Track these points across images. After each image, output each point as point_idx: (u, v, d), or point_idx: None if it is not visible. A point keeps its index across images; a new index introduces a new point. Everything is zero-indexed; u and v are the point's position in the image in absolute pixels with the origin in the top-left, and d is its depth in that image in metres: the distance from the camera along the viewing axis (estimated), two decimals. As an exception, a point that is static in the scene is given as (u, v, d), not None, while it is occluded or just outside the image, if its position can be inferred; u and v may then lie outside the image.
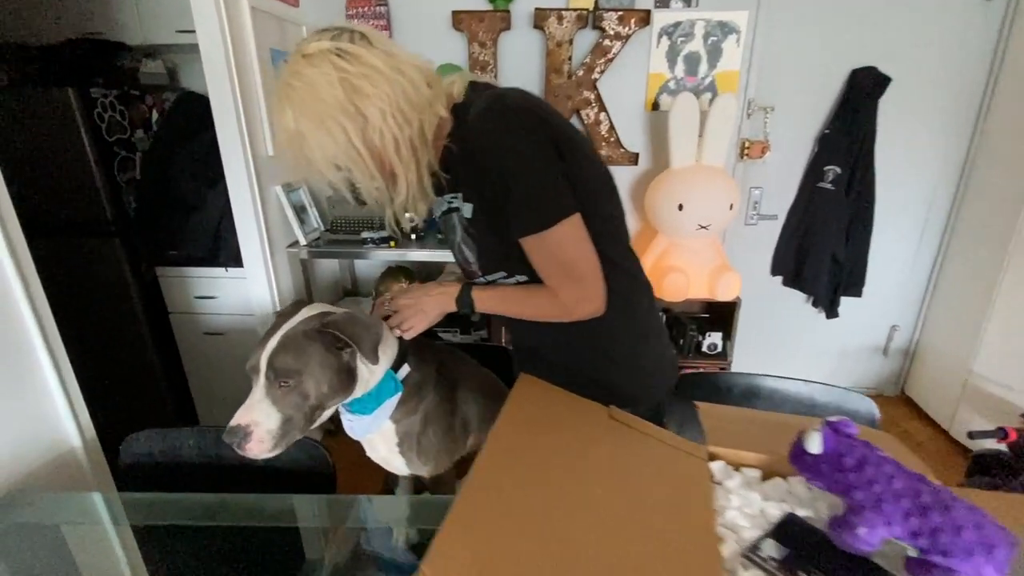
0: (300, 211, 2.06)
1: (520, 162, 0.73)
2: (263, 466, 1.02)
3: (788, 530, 0.66)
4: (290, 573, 0.87)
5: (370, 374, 0.89)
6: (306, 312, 0.86)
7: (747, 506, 0.71)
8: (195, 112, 1.99)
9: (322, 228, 2.18)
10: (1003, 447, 1.72)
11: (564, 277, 0.79)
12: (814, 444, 0.65)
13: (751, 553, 0.62)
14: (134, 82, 1.97)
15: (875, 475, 0.60)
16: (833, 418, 0.68)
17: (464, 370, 1.08)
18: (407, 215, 0.91)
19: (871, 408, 1.14)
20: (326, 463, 1.00)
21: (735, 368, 2.32)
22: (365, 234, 2.03)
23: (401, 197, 0.81)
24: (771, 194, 2.35)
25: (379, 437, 0.96)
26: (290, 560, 0.89)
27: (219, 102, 1.71)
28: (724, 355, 2.24)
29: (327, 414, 0.87)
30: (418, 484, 1.19)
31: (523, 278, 0.86)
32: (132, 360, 2.05)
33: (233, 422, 0.77)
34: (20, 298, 1.03)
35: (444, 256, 1.99)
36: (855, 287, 2.38)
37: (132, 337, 2.01)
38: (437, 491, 1.06)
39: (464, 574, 0.50)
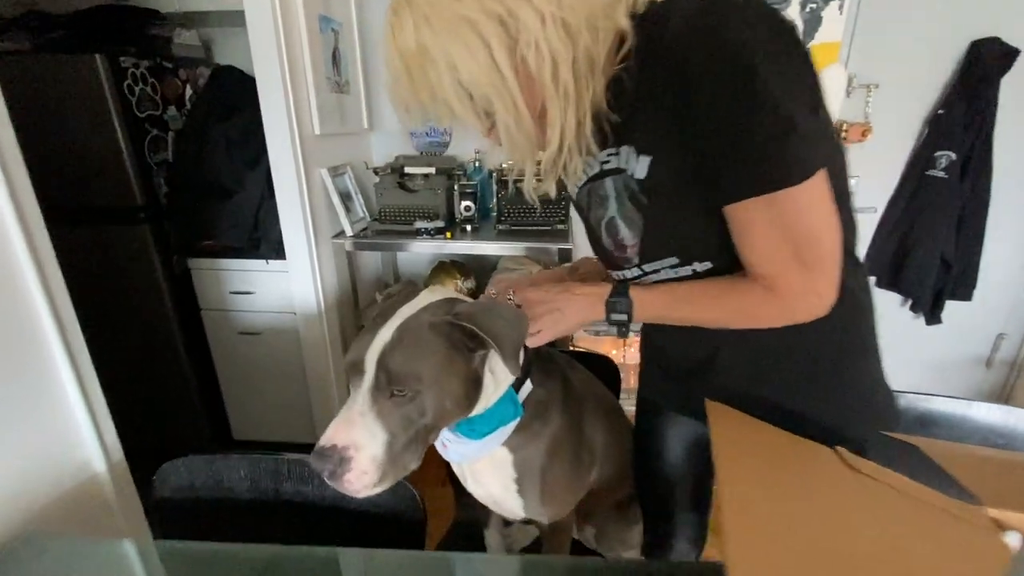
0: (345, 199, 1.85)
1: (763, 79, 0.47)
2: (332, 505, 0.80)
3: None
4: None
5: (494, 388, 0.67)
6: (428, 297, 0.65)
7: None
8: (234, 88, 1.80)
9: (368, 218, 1.97)
10: None
11: (794, 259, 0.55)
12: None
13: None
14: (167, 53, 1.78)
15: None
16: None
17: (587, 387, 0.85)
18: (532, 186, 0.68)
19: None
20: (415, 504, 0.78)
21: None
22: (419, 224, 1.81)
23: (552, 147, 0.58)
24: (869, 184, 2.08)
25: (489, 469, 0.74)
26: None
27: (265, 74, 1.51)
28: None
29: (432, 440, 0.65)
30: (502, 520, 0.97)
31: (704, 266, 0.62)
32: (160, 364, 1.85)
33: (325, 441, 0.56)
34: (38, 298, 0.84)
35: (505, 250, 1.76)
36: (964, 290, 2.09)
37: (161, 337, 1.82)
38: (554, 541, 0.83)
39: None
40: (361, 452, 0.56)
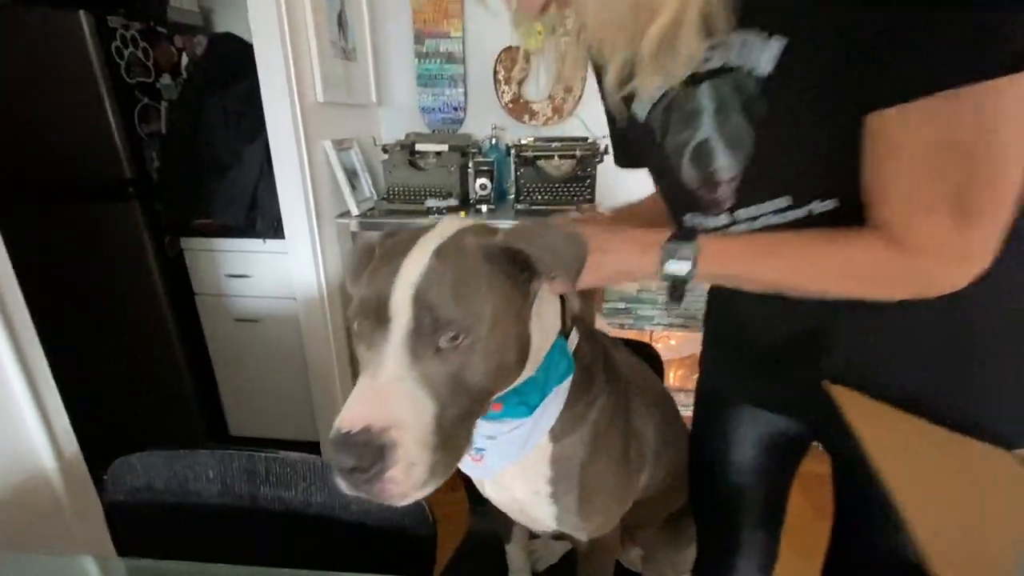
0: (351, 176, 1.71)
1: None
2: (318, 515, 0.65)
3: None
4: None
5: (541, 340, 0.51)
6: (454, 224, 0.49)
7: None
8: (232, 57, 1.66)
9: (375, 197, 1.82)
10: None
11: (951, 199, 0.38)
12: None
13: None
14: (161, 17, 1.66)
15: None
16: None
17: (634, 369, 0.69)
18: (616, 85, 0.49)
19: None
20: (423, 516, 0.62)
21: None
22: (430, 202, 1.66)
23: (665, 18, 0.41)
24: None
25: (516, 467, 0.58)
26: None
27: (263, 34, 1.37)
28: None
29: (483, 413, 0.48)
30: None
31: (825, 206, 0.46)
32: (151, 353, 1.72)
33: (351, 421, 0.39)
34: None
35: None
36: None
37: (152, 324, 1.68)
38: (594, 564, 0.67)
39: None
40: (407, 434, 0.39)
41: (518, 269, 0.47)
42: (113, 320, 1.67)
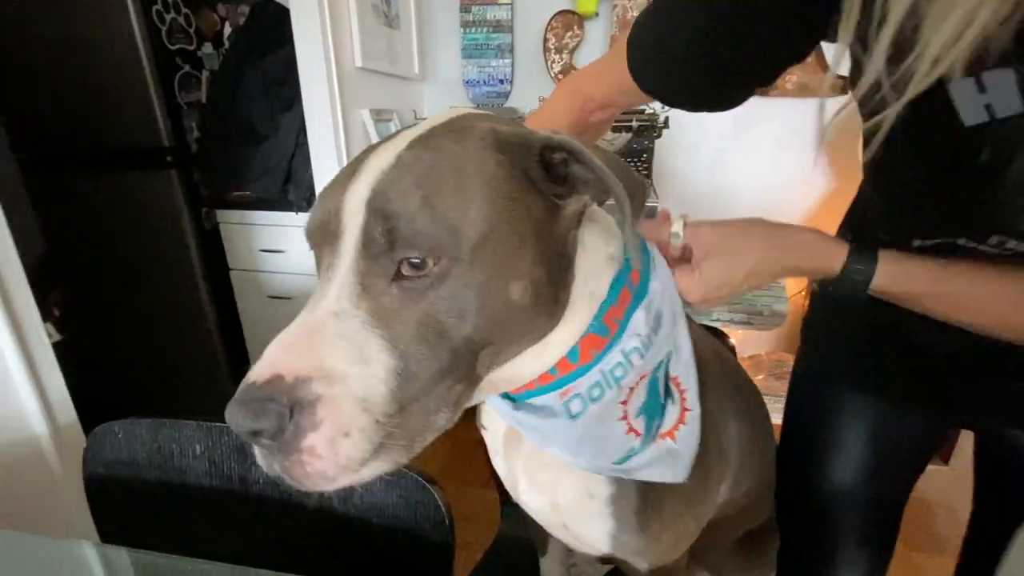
0: (390, 149, 1.62)
1: None
2: (318, 507, 0.54)
3: None
4: None
5: (591, 280, 0.39)
6: (462, 109, 0.37)
7: None
8: (274, 24, 1.60)
9: (415, 174, 1.73)
10: None
11: None
12: None
13: None
14: (205, -14, 1.63)
15: None
16: None
17: (709, 345, 0.54)
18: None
19: None
20: (440, 518, 0.49)
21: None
22: (471, 176, 1.55)
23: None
24: None
25: (562, 465, 0.44)
26: None
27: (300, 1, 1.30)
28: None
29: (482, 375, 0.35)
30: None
31: None
32: (185, 326, 1.69)
33: (258, 370, 0.29)
34: None
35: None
36: None
37: (187, 297, 1.65)
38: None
39: None
40: (335, 388, 0.28)
41: (548, 177, 0.34)
42: (148, 290, 1.65)
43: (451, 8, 1.79)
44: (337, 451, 0.28)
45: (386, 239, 0.29)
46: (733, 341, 1.82)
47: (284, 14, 1.60)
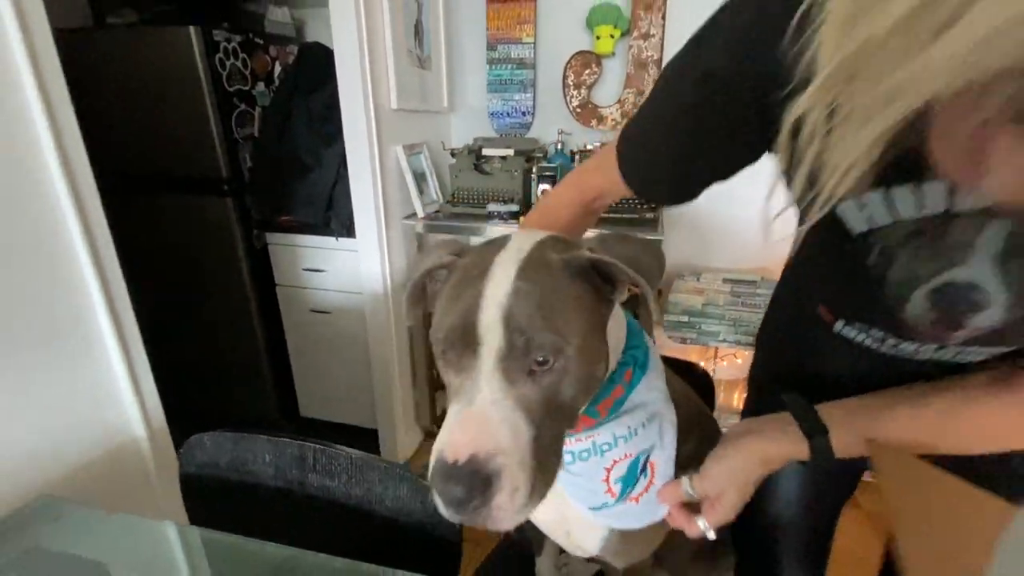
0: (419, 179, 1.78)
1: None
2: (358, 505, 0.69)
3: None
4: None
5: (614, 344, 0.53)
6: (529, 237, 0.48)
7: None
8: (319, 65, 1.78)
9: (441, 200, 1.89)
10: None
11: None
12: None
13: None
14: (259, 29, 1.81)
15: None
16: None
17: (683, 391, 0.67)
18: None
19: None
20: (452, 524, 0.64)
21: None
22: (491, 207, 1.69)
23: None
24: None
25: (576, 504, 0.58)
26: None
27: (343, 42, 1.46)
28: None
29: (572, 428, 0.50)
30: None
31: None
32: (235, 335, 1.89)
33: (454, 451, 0.39)
34: (84, 261, 0.80)
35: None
36: None
37: (238, 309, 1.85)
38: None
39: None
40: (510, 459, 0.39)
41: (602, 281, 0.47)
42: (204, 303, 1.86)
43: (479, 46, 1.94)
44: (515, 502, 0.40)
45: (524, 346, 0.41)
46: (724, 363, 1.92)
47: (328, 55, 1.77)
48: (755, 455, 0.54)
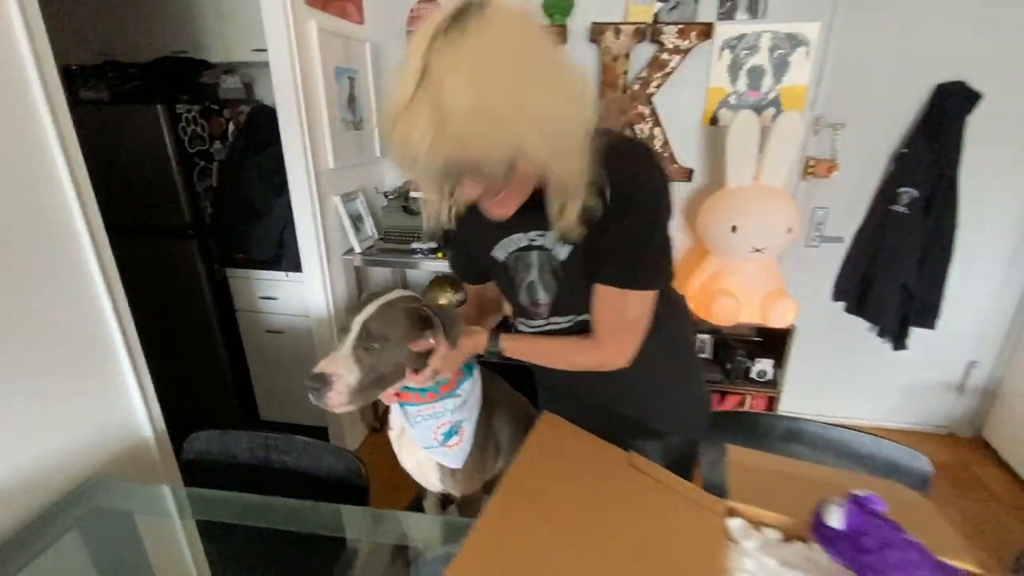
0: (357, 220, 2.16)
1: (654, 217, 0.74)
2: (304, 471, 1.10)
3: (804, 603, 0.64)
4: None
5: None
6: (399, 292, 0.91)
7: (761, 571, 0.69)
8: (267, 124, 2.13)
9: (376, 236, 2.28)
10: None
11: (619, 331, 0.81)
12: (834, 519, 0.63)
13: (760, 624, 0.61)
14: (214, 97, 2.14)
15: (898, 561, 0.58)
16: (860, 492, 0.65)
17: (501, 395, 1.11)
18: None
19: (923, 466, 1.06)
20: (360, 475, 1.06)
21: (786, 397, 2.21)
22: (415, 244, 2.10)
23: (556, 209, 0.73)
24: (837, 215, 2.22)
25: (419, 447, 1.01)
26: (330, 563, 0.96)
27: (286, 116, 1.82)
28: (774, 383, 2.14)
29: (389, 391, 0.90)
30: (444, 499, 1.24)
31: (584, 318, 0.87)
32: (202, 354, 2.24)
33: (317, 369, 0.80)
34: (104, 298, 1.14)
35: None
36: (928, 318, 2.20)
37: (204, 332, 2.20)
38: (465, 511, 1.10)
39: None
40: (340, 380, 0.79)
41: (421, 322, 0.88)
42: (176, 328, 2.19)
43: (404, 106, 2.33)
44: (338, 399, 0.80)
45: (365, 336, 0.82)
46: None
47: (274, 116, 2.13)
48: (469, 348, 0.92)
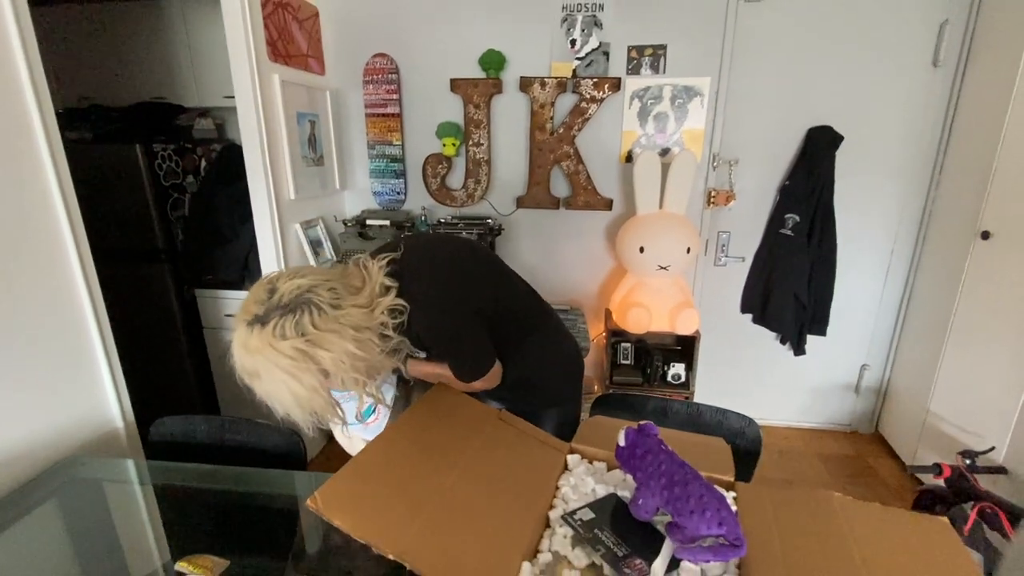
0: (316, 244, 2.42)
1: (449, 323, 1.00)
2: (252, 447, 1.33)
3: (604, 503, 0.90)
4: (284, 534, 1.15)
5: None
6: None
7: (582, 486, 0.95)
8: (236, 160, 2.39)
9: (335, 259, 2.53)
10: (940, 483, 1.84)
11: (481, 383, 1.08)
12: (620, 438, 0.89)
13: (568, 516, 0.87)
14: (188, 137, 2.40)
15: (651, 461, 0.84)
16: (642, 422, 0.92)
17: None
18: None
19: (756, 431, 1.34)
20: (299, 448, 1.29)
21: (704, 400, 2.48)
22: (367, 266, 2.36)
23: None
24: (739, 238, 2.56)
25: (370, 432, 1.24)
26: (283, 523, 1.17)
27: (251, 156, 2.09)
28: (687, 385, 2.42)
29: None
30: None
31: None
32: (172, 366, 2.42)
33: None
34: (87, 309, 1.38)
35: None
36: (819, 326, 2.53)
37: (173, 346, 2.39)
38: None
39: (343, 506, 0.77)
40: None
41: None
42: (148, 342, 2.38)
43: (362, 146, 2.63)
44: None
45: None
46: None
47: (242, 154, 2.40)
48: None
